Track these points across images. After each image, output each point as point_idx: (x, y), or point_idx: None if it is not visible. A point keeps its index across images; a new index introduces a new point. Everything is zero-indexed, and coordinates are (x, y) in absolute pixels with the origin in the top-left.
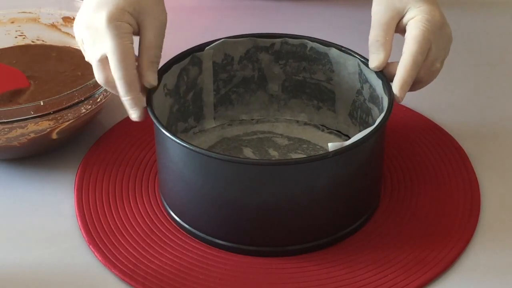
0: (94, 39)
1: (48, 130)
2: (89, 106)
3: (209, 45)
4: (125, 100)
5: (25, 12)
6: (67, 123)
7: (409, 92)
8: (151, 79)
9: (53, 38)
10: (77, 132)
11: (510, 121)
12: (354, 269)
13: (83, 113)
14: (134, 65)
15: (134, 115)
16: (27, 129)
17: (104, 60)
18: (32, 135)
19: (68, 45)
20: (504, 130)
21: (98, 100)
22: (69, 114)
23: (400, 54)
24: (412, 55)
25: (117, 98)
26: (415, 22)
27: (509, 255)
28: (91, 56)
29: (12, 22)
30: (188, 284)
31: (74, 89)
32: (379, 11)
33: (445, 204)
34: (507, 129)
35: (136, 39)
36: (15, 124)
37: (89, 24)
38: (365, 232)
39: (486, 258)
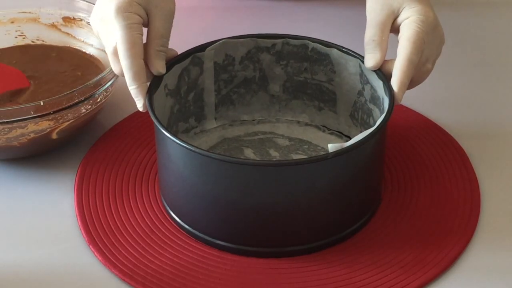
0: (107, 31)
1: (48, 130)
2: (89, 106)
3: (210, 45)
4: (131, 89)
5: (25, 12)
6: (67, 123)
7: (410, 93)
8: (159, 67)
9: (53, 38)
10: (77, 132)
11: (510, 121)
12: (354, 269)
13: (83, 113)
14: (141, 55)
15: (139, 104)
16: (27, 129)
17: (116, 51)
18: (32, 135)
19: (68, 45)
20: (504, 130)
21: (98, 100)
22: (69, 114)
23: (394, 53)
24: (408, 56)
25: (117, 98)
26: (410, 22)
27: (509, 255)
28: (106, 48)
29: (12, 22)
30: (188, 284)
31: (74, 89)
32: (375, 10)
33: (445, 204)
34: (507, 129)
35: (145, 29)
36: (15, 124)
37: (102, 17)
38: (365, 232)
39: (486, 258)
